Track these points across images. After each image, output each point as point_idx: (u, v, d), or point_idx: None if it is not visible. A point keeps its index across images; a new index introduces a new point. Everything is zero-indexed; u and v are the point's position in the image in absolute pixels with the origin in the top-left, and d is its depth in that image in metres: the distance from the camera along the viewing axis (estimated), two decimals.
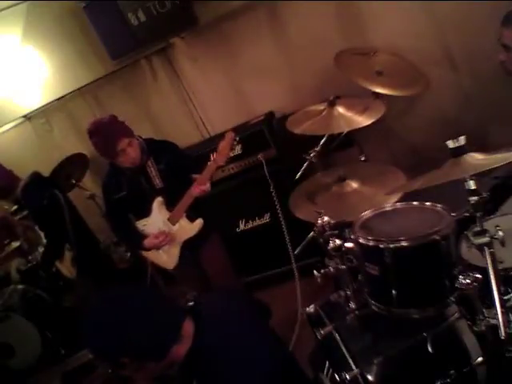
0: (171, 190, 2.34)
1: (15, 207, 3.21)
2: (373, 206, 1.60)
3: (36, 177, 3.10)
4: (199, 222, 2.36)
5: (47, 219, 3.03)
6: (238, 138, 2.33)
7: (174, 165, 2.37)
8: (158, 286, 3.35)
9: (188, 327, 1.31)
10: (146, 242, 2.36)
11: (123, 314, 1.25)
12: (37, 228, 3.14)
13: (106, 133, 2.21)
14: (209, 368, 1.28)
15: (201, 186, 2.25)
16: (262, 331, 1.45)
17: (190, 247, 2.41)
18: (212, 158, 2.27)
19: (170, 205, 2.35)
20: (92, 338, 1.27)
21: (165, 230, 2.36)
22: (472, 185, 1.28)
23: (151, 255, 2.48)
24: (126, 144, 2.21)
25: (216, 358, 1.28)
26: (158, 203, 2.35)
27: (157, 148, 2.40)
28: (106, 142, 2.21)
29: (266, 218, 3.16)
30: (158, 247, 2.37)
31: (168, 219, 2.35)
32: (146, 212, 2.38)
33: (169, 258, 2.42)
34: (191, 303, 1.42)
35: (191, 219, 2.37)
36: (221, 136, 3.32)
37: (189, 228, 2.37)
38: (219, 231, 2.60)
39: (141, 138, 2.38)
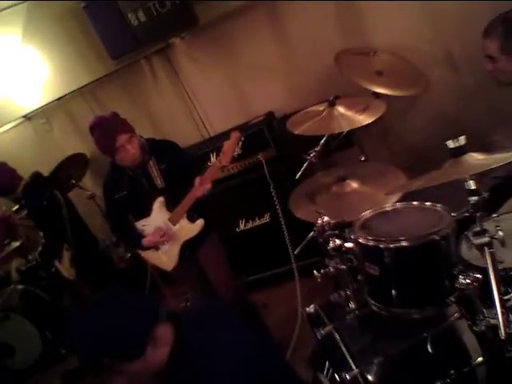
0: (172, 191, 2.33)
1: (16, 207, 3.21)
2: (373, 205, 1.60)
3: (37, 177, 3.11)
4: (200, 222, 2.35)
5: (46, 219, 3.03)
6: (243, 138, 2.31)
7: (176, 165, 2.36)
8: (158, 286, 3.35)
9: (165, 331, 1.33)
10: (145, 241, 2.36)
11: (98, 316, 1.32)
12: (36, 228, 3.15)
13: (106, 128, 2.21)
14: (192, 372, 1.29)
15: (203, 186, 2.25)
16: (249, 337, 1.45)
17: (189, 247, 2.41)
18: (216, 158, 2.26)
19: (170, 205, 2.35)
20: (74, 340, 1.34)
21: (162, 227, 2.35)
22: (472, 185, 1.28)
23: (151, 256, 2.48)
24: (126, 140, 2.20)
25: (199, 363, 1.29)
26: (158, 203, 2.34)
27: (158, 148, 2.39)
28: (105, 137, 2.21)
29: (266, 218, 3.16)
30: (156, 244, 2.37)
31: (169, 219, 2.34)
32: (146, 212, 2.37)
33: (168, 258, 2.42)
34: (187, 304, 1.45)
35: (192, 219, 2.36)
36: (220, 136, 3.33)
37: (189, 228, 2.36)
38: (218, 231, 2.60)
39: (142, 137, 2.38)
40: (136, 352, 1.29)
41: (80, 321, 1.34)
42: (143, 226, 2.39)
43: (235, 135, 2.27)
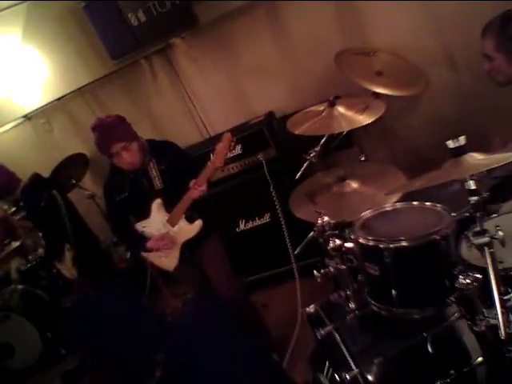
0: (171, 192, 2.33)
1: (14, 208, 3.21)
2: (373, 205, 1.60)
3: (35, 178, 3.11)
4: (198, 223, 2.35)
5: (45, 220, 3.03)
6: (235, 139, 2.32)
7: (176, 166, 2.36)
8: (158, 286, 3.35)
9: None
10: (150, 244, 2.36)
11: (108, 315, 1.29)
12: (36, 230, 3.15)
13: (103, 133, 2.21)
14: (187, 376, 1.28)
15: (199, 187, 2.25)
16: (243, 341, 1.44)
17: (189, 248, 2.41)
18: (210, 160, 2.27)
19: (169, 206, 2.35)
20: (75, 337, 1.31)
21: (166, 231, 2.34)
22: (472, 185, 1.28)
23: (151, 256, 2.48)
24: (121, 148, 2.20)
25: (193, 367, 1.29)
26: (156, 205, 2.34)
27: (158, 149, 2.39)
28: (101, 142, 2.22)
29: (266, 218, 3.16)
30: (159, 250, 2.37)
31: (167, 221, 2.35)
32: (146, 213, 2.37)
33: (169, 259, 2.42)
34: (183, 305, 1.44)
35: (190, 220, 2.36)
36: (220, 136, 3.33)
37: (188, 229, 2.36)
38: (219, 231, 2.60)
39: (142, 139, 2.37)
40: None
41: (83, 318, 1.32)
42: (143, 227, 2.39)
43: (226, 137, 2.29)
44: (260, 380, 1.34)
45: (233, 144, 2.31)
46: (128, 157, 2.23)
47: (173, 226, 2.35)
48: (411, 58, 2.70)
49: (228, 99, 3.43)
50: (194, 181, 2.25)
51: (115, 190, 2.37)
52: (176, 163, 2.37)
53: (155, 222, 2.36)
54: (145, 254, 2.50)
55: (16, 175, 3.05)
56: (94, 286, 3.19)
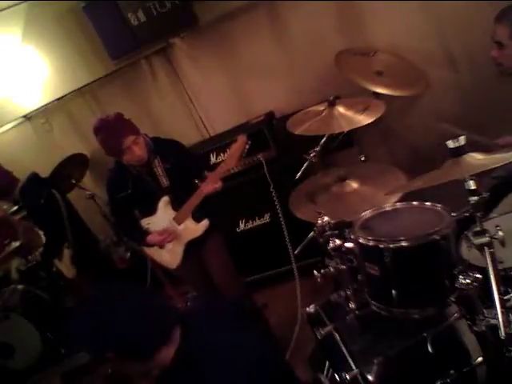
0: (177, 190, 2.33)
1: (15, 208, 3.21)
2: (373, 205, 1.60)
3: (34, 177, 3.11)
4: (205, 223, 2.35)
5: (45, 218, 3.03)
6: (249, 142, 2.32)
7: (181, 164, 2.36)
8: (159, 286, 3.35)
9: (176, 331, 1.32)
10: (149, 238, 2.36)
11: (115, 307, 1.26)
12: (36, 228, 3.15)
13: (112, 130, 2.19)
14: (195, 372, 1.28)
15: (214, 183, 2.25)
16: (249, 338, 1.44)
17: (192, 246, 2.41)
18: (216, 158, 2.27)
19: (175, 204, 2.35)
20: (79, 326, 1.28)
21: (169, 228, 2.35)
22: (472, 185, 1.28)
23: (154, 254, 2.48)
24: (132, 141, 2.20)
25: (202, 363, 1.29)
26: (164, 202, 2.34)
27: (163, 147, 2.39)
28: (111, 139, 2.20)
29: (266, 218, 3.16)
30: (160, 244, 2.37)
31: (173, 219, 2.34)
32: (151, 211, 2.37)
33: (172, 257, 2.42)
34: (187, 304, 1.43)
35: (197, 220, 2.36)
36: (220, 136, 3.33)
37: (194, 229, 2.36)
38: (222, 230, 2.60)
39: (147, 136, 2.37)
40: (148, 354, 1.27)
41: (92, 310, 1.29)
42: (148, 224, 2.39)
43: (241, 139, 2.28)
44: (268, 375, 1.34)
45: (247, 147, 2.30)
46: (138, 150, 2.22)
47: (179, 224, 2.34)
48: (411, 58, 2.70)
49: (228, 99, 3.43)
50: (210, 174, 2.24)
51: (119, 186, 2.36)
52: (181, 162, 2.37)
53: (161, 220, 2.36)
54: (147, 250, 2.50)
55: (13, 174, 3.05)
56: (94, 287, 3.19)
